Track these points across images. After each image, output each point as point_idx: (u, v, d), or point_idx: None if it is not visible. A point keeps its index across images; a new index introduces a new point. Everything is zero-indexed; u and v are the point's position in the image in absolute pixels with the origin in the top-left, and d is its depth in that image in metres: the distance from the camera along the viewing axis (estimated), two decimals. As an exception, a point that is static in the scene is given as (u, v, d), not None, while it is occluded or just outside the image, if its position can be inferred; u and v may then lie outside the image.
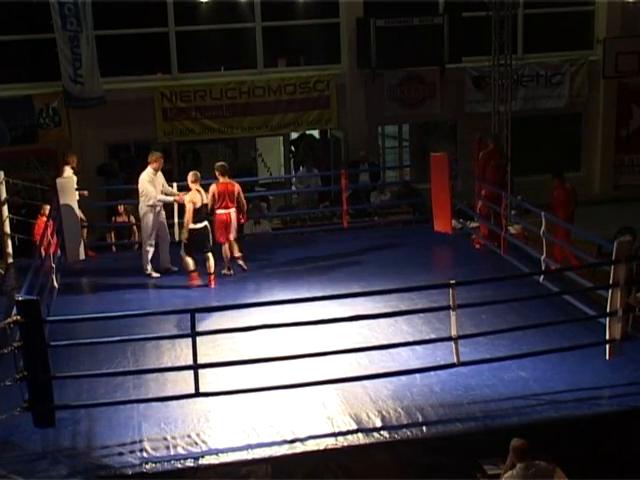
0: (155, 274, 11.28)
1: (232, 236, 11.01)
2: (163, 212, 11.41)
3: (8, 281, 11.29)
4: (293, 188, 17.14)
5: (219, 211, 10.84)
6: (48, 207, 11.96)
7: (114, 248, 13.55)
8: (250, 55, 16.55)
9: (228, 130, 16.29)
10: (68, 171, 12.41)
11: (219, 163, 11.16)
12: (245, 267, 11.16)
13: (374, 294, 9.20)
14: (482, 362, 7.86)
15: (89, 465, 6.68)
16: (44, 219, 11.87)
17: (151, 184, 11.07)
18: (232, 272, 11.19)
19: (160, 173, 11.31)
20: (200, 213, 10.65)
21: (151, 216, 11.15)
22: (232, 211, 10.89)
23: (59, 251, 11.50)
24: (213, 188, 10.83)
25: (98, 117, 15.42)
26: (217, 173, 10.91)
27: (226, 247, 11.09)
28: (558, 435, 7.10)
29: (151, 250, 11.26)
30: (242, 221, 11.39)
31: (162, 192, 11.24)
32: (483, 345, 8.27)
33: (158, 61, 16.42)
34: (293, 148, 17.89)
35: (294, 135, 17.76)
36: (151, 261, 11.31)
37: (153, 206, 11.13)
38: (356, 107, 16.60)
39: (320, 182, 16.35)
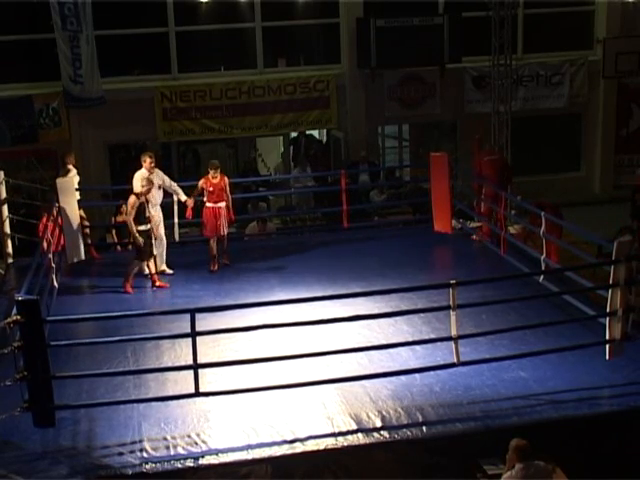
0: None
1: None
2: (160, 212, 11.37)
3: (8, 281, 11.29)
4: (292, 189, 17.14)
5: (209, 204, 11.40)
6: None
7: (118, 248, 13.50)
8: (250, 55, 16.57)
9: (228, 130, 16.30)
10: (73, 171, 12.38)
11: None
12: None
13: (374, 294, 9.20)
14: (482, 362, 7.86)
15: (89, 465, 6.67)
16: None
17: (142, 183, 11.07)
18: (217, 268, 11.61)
19: (157, 171, 11.28)
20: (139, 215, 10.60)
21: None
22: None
23: (59, 251, 11.50)
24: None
25: (98, 117, 15.43)
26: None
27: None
28: (558, 435, 7.10)
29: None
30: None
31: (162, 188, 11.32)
32: (483, 345, 8.27)
33: (158, 61, 16.43)
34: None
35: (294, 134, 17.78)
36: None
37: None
38: (356, 107, 16.61)
39: (314, 182, 16.37)
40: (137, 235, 10.44)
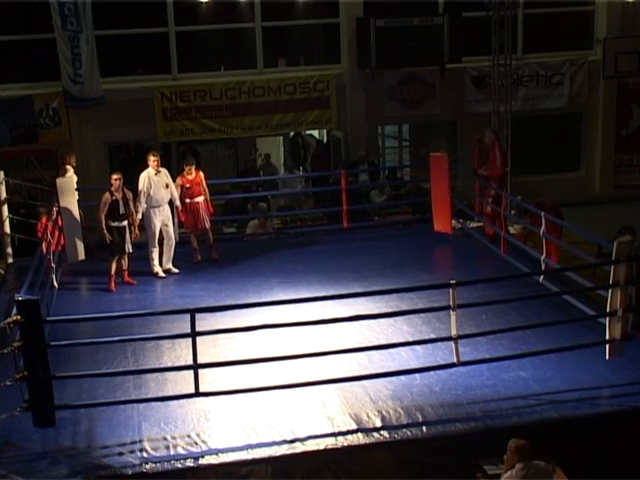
0: (162, 273, 11.36)
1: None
2: (169, 212, 11.45)
3: (8, 281, 11.29)
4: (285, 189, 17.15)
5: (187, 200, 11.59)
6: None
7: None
8: (250, 55, 16.56)
9: (228, 130, 16.29)
10: (70, 171, 12.42)
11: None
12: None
13: (374, 294, 9.20)
14: (482, 362, 7.86)
15: (89, 465, 6.68)
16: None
17: (148, 183, 11.12)
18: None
19: (164, 171, 11.37)
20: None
21: (152, 216, 11.18)
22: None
23: (59, 251, 11.50)
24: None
25: (98, 117, 15.42)
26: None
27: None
28: (558, 435, 7.10)
29: (155, 250, 11.31)
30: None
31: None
32: (483, 345, 8.28)
33: (158, 61, 16.42)
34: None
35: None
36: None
37: (155, 206, 11.19)
38: (356, 107, 16.60)
39: (304, 183, 16.38)
40: (105, 231, 10.68)
